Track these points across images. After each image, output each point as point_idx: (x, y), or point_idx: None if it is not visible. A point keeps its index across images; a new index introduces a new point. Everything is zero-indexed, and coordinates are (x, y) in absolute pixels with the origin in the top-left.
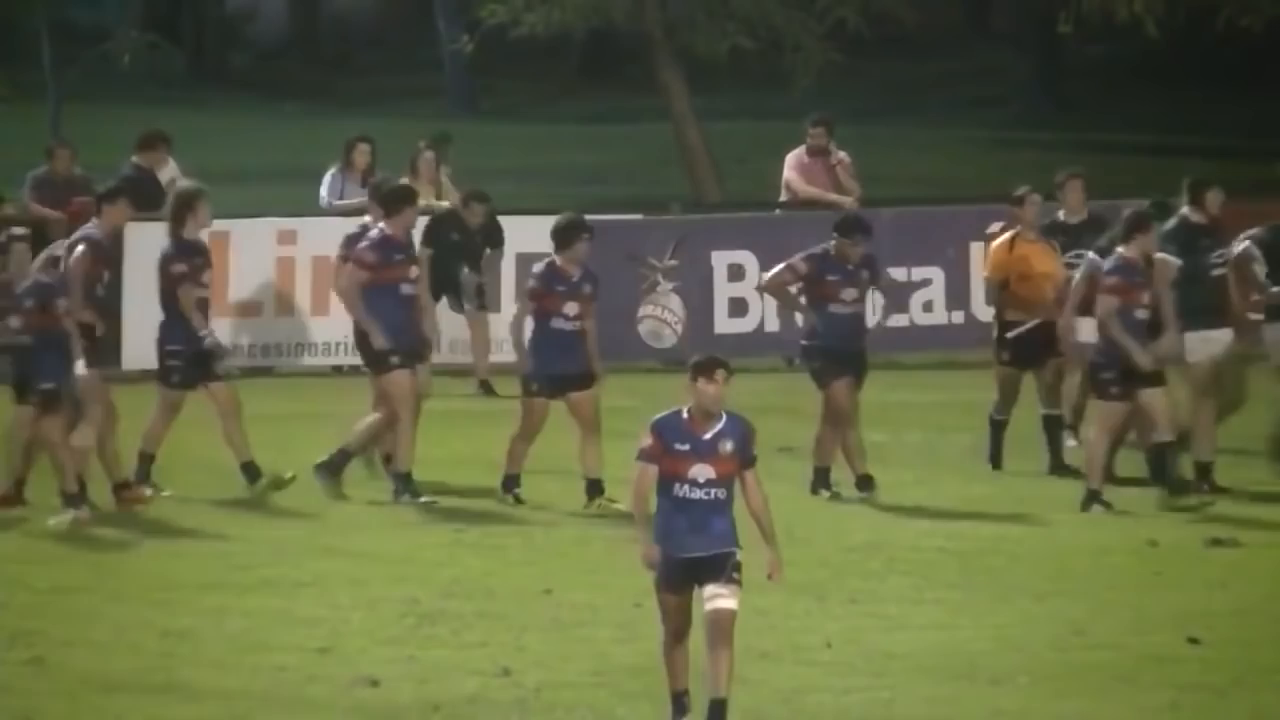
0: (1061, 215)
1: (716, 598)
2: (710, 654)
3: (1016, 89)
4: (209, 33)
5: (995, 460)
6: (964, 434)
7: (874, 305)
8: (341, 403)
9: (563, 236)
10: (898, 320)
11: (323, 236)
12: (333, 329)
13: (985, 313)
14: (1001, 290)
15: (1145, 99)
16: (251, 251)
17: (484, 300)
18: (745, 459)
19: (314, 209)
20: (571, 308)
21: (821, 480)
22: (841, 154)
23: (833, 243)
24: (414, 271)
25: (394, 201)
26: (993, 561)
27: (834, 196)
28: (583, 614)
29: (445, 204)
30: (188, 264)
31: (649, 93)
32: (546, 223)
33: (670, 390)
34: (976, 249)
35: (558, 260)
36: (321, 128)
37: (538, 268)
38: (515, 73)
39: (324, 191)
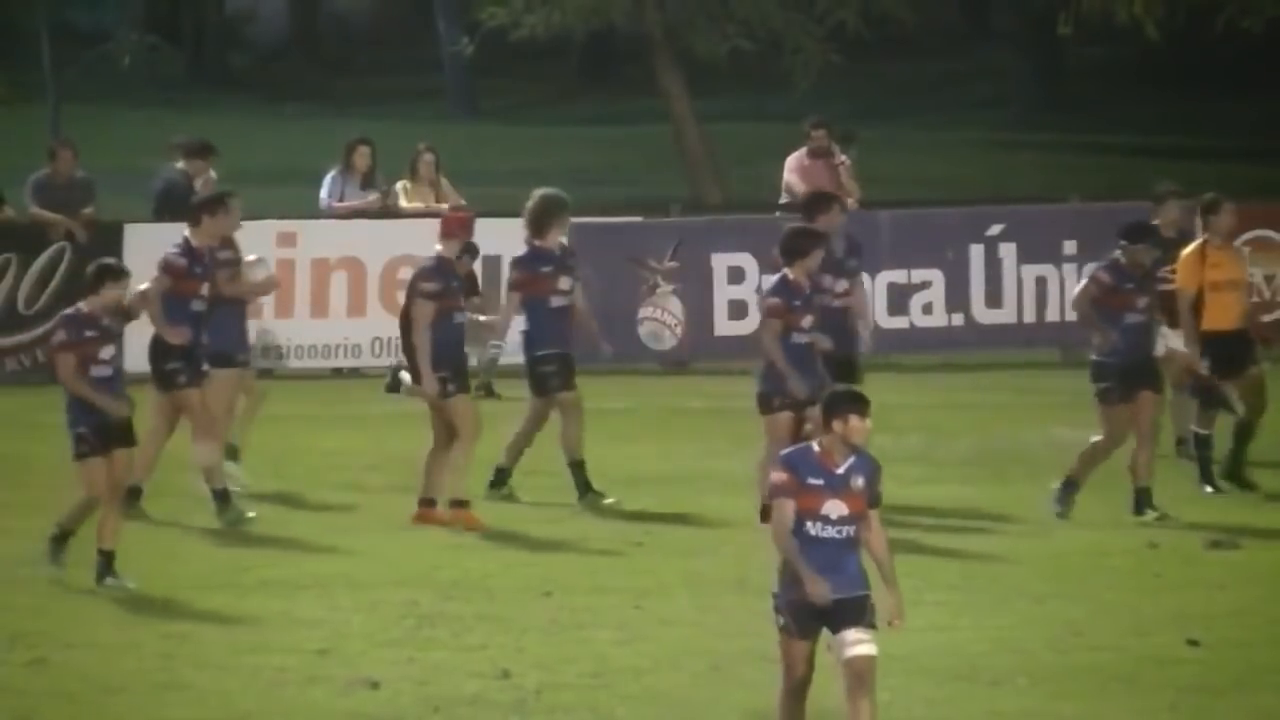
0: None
1: (858, 644)
2: (852, 704)
3: (1016, 90)
4: (209, 34)
5: (1210, 478)
6: (964, 436)
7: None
8: (341, 405)
9: (796, 247)
10: (897, 322)
11: (322, 238)
12: (332, 331)
13: (984, 315)
14: (1196, 299)
15: (1145, 100)
16: (251, 253)
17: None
18: (872, 497)
19: (314, 211)
20: (809, 320)
21: (1145, 501)
22: (844, 156)
23: (1120, 251)
24: (841, 285)
25: (815, 206)
26: (992, 563)
27: None
28: (582, 616)
29: (445, 206)
30: (533, 272)
31: (649, 95)
32: None
33: (670, 392)
34: (976, 250)
35: (790, 274)
36: (321, 129)
37: (770, 282)
38: (515, 74)
39: (324, 193)
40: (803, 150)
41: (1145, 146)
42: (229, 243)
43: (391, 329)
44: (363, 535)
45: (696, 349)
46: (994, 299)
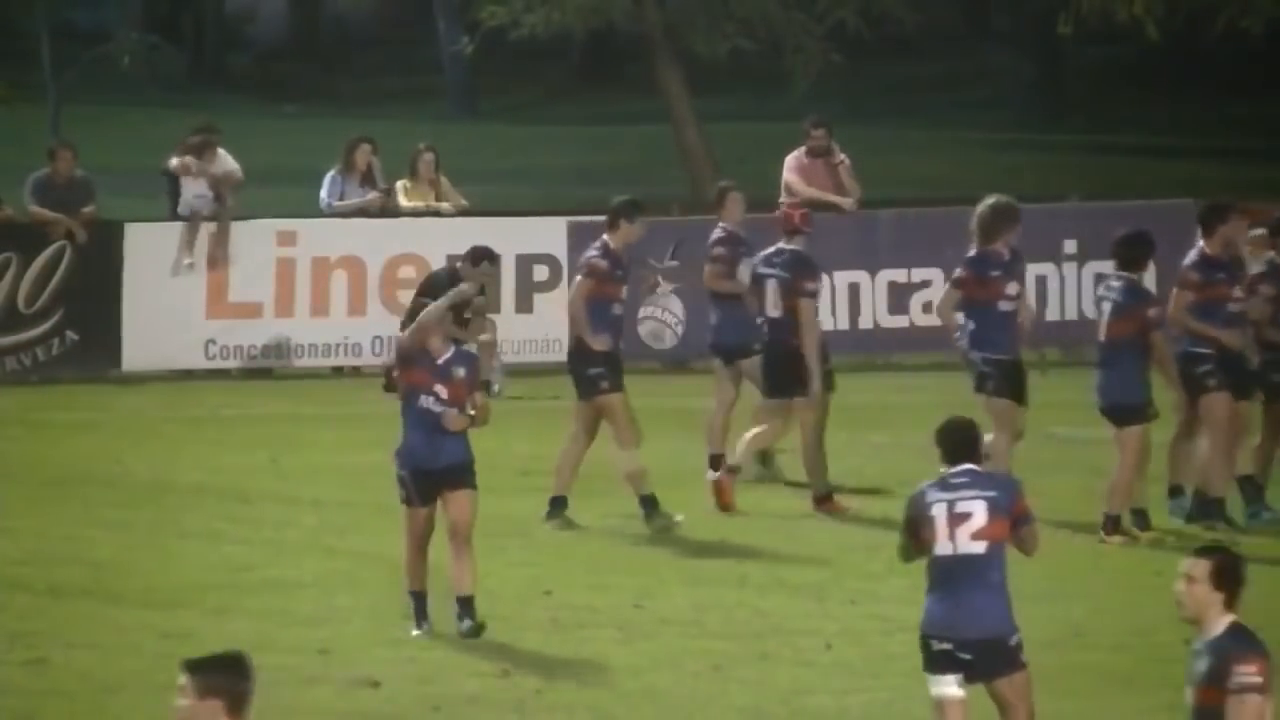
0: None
1: None
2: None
3: (1017, 90)
4: (209, 34)
5: None
6: None
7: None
8: (341, 404)
9: (1133, 256)
10: (897, 321)
11: (323, 238)
12: (332, 330)
13: None
14: None
15: (1145, 101)
16: (251, 252)
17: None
18: None
19: (314, 210)
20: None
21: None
22: (843, 155)
23: (1202, 241)
24: (1236, 291)
25: (1212, 217)
26: None
27: (833, 198)
28: (582, 615)
29: (446, 205)
30: (981, 275)
31: (649, 94)
32: (546, 224)
33: (670, 392)
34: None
35: (1135, 277)
36: (321, 129)
37: (1115, 282)
38: (515, 74)
39: (324, 193)
40: (802, 149)
41: (1145, 146)
42: (735, 239)
43: (391, 328)
44: (362, 534)
45: (697, 349)
46: None
